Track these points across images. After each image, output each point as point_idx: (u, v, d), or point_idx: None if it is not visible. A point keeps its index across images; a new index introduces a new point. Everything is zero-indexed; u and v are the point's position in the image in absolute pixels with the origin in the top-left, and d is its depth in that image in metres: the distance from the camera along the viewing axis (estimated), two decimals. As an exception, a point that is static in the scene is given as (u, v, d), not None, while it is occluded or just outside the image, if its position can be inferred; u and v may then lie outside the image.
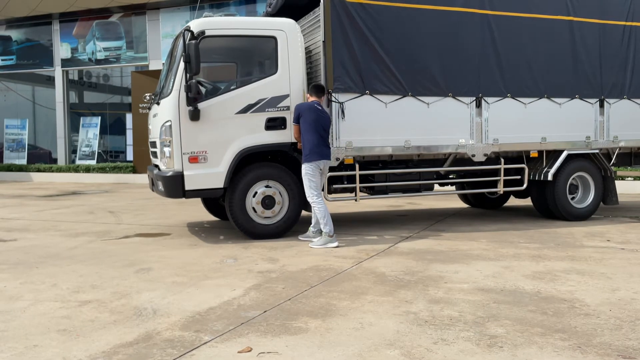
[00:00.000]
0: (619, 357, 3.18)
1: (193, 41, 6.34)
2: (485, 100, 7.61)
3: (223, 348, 3.39)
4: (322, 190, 6.99)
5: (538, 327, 3.67)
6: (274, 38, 6.85)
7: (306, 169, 6.44)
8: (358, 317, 3.92)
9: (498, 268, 5.30)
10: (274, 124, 6.79)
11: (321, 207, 6.43)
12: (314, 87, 6.65)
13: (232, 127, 6.67)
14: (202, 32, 6.51)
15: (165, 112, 6.67)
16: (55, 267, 5.59)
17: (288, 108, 6.79)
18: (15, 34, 20.16)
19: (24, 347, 3.44)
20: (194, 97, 6.44)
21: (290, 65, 6.84)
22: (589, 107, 8.23)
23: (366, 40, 6.95)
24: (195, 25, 6.59)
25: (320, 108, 6.49)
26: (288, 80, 6.82)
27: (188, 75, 6.36)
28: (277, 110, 6.79)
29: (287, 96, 6.81)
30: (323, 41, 6.80)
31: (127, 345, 3.45)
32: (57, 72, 19.46)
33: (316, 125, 6.38)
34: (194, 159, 6.55)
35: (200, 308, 4.16)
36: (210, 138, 6.60)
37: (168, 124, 6.57)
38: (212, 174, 6.61)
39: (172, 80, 6.64)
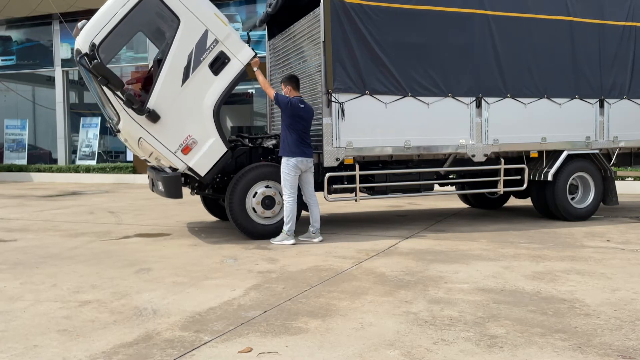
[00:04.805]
0: (619, 357, 3.18)
1: (95, 61, 5.96)
2: (485, 101, 7.61)
3: (223, 348, 3.39)
4: (322, 190, 7.02)
5: (538, 327, 3.67)
6: None
7: (283, 165, 6.50)
8: (358, 317, 3.92)
9: (498, 268, 5.30)
10: (218, 64, 6.51)
11: (289, 206, 6.51)
12: (293, 79, 6.64)
13: (190, 99, 6.44)
14: (93, 45, 6.03)
15: (130, 134, 6.48)
16: (55, 267, 5.59)
17: (216, 41, 6.46)
18: (15, 34, 20.14)
19: (24, 347, 3.44)
20: (139, 104, 6.21)
21: (187, 5, 6.35)
22: (589, 107, 8.24)
23: (365, 41, 6.96)
24: (82, 44, 6.10)
25: (303, 107, 6.52)
26: (196, 19, 6.38)
27: (118, 93, 6.11)
28: (210, 51, 6.46)
29: (206, 31, 6.41)
30: (323, 41, 6.80)
31: (127, 345, 3.46)
32: (57, 72, 19.45)
33: (296, 124, 6.43)
34: (186, 149, 6.47)
35: (200, 308, 4.16)
36: (182, 123, 6.44)
37: (142, 142, 6.42)
38: (210, 148, 6.55)
39: (111, 106, 6.36)
